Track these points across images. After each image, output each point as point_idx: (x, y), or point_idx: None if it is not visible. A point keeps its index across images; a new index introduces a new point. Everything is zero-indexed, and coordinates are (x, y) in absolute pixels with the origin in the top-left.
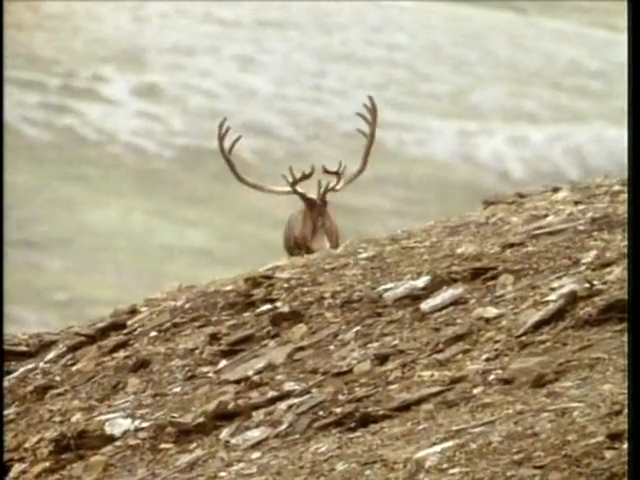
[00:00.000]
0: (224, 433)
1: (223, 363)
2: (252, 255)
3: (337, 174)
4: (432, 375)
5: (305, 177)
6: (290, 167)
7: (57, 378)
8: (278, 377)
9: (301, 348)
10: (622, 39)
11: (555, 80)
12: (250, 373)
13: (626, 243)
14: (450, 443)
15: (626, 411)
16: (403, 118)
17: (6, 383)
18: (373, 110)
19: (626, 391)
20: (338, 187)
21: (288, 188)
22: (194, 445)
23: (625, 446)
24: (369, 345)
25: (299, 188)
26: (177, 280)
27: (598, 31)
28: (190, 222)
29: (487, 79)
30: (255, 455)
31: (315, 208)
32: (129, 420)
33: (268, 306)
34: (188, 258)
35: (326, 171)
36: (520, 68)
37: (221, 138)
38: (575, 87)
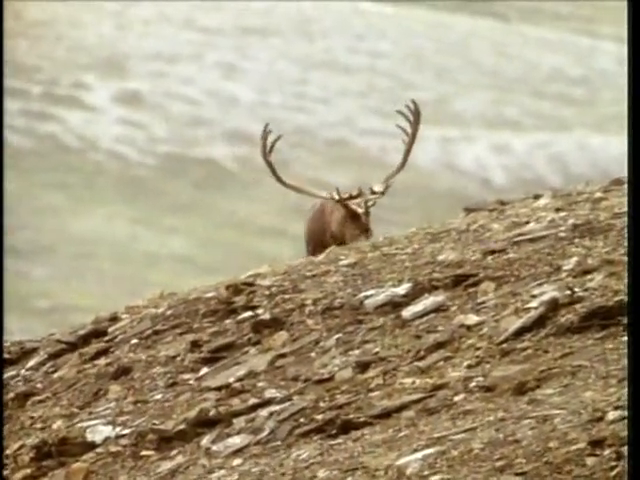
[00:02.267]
0: (205, 440)
1: (204, 370)
2: (234, 262)
3: (382, 194)
4: (413, 382)
5: (352, 197)
6: (337, 189)
7: (38, 385)
8: (259, 384)
9: (282, 355)
10: (604, 46)
11: (537, 88)
12: (231, 380)
13: (608, 248)
14: (431, 450)
15: (607, 418)
16: (386, 125)
17: None
18: (416, 112)
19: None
20: (380, 195)
21: (326, 193)
22: (175, 452)
23: (606, 452)
24: (350, 352)
25: (329, 192)
26: (159, 287)
27: (580, 38)
28: (172, 229)
29: (469, 86)
30: (236, 462)
31: (359, 220)
32: (110, 427)
33: (249, 313)
34: (170, 265)
35: (373, 192)
36: (502, 75)
37: (265, 141)
38: (557, 94)
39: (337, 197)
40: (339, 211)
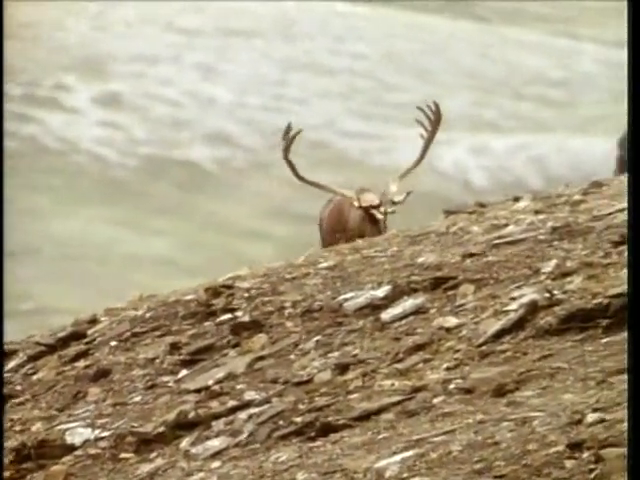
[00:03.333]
0: (184, 442)
1: (183, 372)
2: (217, 265)
3: (400, 203)
4: (393, 384)
5: (373, 207)
6: (358, 197)
7: (18, 387)
8: (238, 386)
9: (261, 357)
10: (585, 48)
11: (518, 89)
12: (210, 382)
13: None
14: (410, 452)
15: (586, 420)
16: (367, 127)
17: None
18: (437, 113)
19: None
20: (402, 201)
21: (347, 191)
22: (154, 454)
23: (585, 455)
24: (329, 354)
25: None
26: (141, 290)
27: (561, 40)
28: (154, 231)
29: (450, 88)
30: (215, 465)
31: (377, 225)
32: (89, 429)
33: (228, 315)
34: (152, 268)
35: (393, 203)
36: (483, 77)
37: (288, 141)
38: (537, 96)
39: (357, 205)
40: (357, 210)
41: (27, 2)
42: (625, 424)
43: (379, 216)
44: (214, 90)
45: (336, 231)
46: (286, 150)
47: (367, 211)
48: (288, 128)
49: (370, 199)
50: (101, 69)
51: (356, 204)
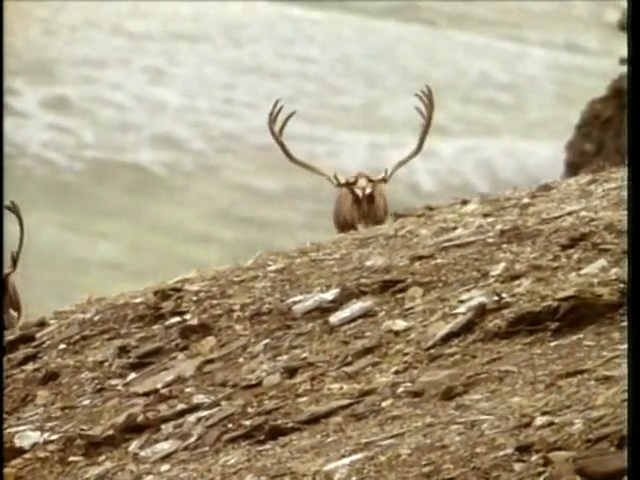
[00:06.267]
0: (133, 446)
1: (132, 376)
2: (164, 268)
3: (384, 181)
4: (341, 388)
5: (350, 184)
6: (335, 173)
7: None
8: (187, 390)
9: (210, 361)
10: (532, 52)
11: (465, 93)
12: (159, 386)
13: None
14: (359, 456)
15: (535, 423)
16: (314, 131)
17: None
18: (429, 95)
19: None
20: (386, 177)
21: (326, 170)
22: (103, 458)
23: (534, 458)
24: (278, 358)
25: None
26: (88, 293)
27: (508, 44)
28: (101, 235)
29: (397, 92)
30: (164, 468)
31: (361, 203)
32: (38, 433)
33: (177, 319)
34: (99, 271)
35: (370, 180)
36: (430, 81)
37: (272, 120)
38: (485, 100)
39: (335, 182)
40: (349, 197)
41: None
42: (573, 427)
43: (357, 191)
44: (162, 94)
45: (339, 222)
46: (272, 128)
47: (352, 192)
48: (276, 104)
49: (351, 179)
50: (49, 73)
51: (334, 182)
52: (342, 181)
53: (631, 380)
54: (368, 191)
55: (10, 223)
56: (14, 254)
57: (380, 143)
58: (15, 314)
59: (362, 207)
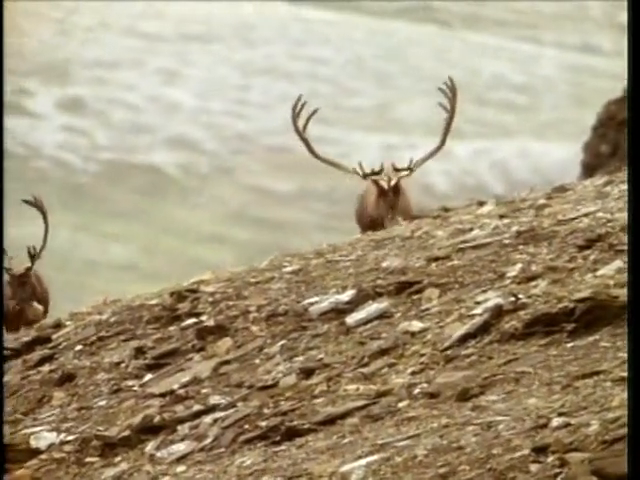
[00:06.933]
0: (149, 447)
1: (148, 377)
2: (177, 269)
3: (410, 170)
4: (357, 389)
5: (375, 173)
6: (360, 163)
7: None
8: (203, 391)
9: (226, 362)
10: (546, 53)
11: (479, 94)
12: (175, 387)
13: (551, 254)
14: (375, 457)
15: (551, 424)
16: (326, 132)
17: None
18: (453, 88)
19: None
20: (412, 166)
21: (349, 166)
22: (119, 459)
23: (550, 459)
24: (294, 359)
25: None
26: (101, 295)
27: (523, 45)
28: (115, 237)
29: (410, 93)
30: (180, 469)
31: (387, 194)
32: (54, 433)
33: (193, 320)
34: (113, 273)
35: (396, 169)
36: (444, 82)
37: (296, 116)
38: (499, 101)
39: (360, 172)
40: (374, 193)
41: None
42: (589, 428)
43: (382, 182)
44: (175, 95)
45: (363, 222)
46: (296, 124)
47: (377, 184)
48: (299, 99)
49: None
50: (63, 74)
51: (360, 173)
52: (367, 171)
53: (631, 383)
54: (394, 182)
55: (19, 226)
56: (31, 249)
57: (393, 144)
58: (40, 307)
59: (388, 199)
